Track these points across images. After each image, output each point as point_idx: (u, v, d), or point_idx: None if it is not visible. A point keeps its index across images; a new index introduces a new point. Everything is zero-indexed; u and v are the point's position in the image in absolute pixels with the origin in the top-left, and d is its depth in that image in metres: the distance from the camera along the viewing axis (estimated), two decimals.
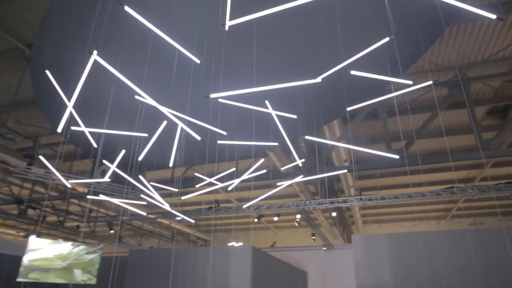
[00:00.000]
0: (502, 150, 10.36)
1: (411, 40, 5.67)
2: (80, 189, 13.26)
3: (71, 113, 5.10)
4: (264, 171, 8.63)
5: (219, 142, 6.41)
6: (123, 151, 6.13)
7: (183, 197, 9.11)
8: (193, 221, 11.60)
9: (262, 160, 7.31)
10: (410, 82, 5.02)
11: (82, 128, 5.78)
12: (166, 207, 8.55)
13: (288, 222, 26.81)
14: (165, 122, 5.45)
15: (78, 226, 17.97)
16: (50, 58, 7.33)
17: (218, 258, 9.21)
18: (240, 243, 14.31)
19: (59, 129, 4.87)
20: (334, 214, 14.46)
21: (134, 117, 6.30)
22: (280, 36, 6.00)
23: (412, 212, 23.55)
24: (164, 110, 5.12)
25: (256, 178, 13.78)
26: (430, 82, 5.06)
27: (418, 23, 5.53)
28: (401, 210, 23.56)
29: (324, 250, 15.52)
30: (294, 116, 5.59)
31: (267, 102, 5.03)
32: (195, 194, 8.64)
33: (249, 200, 13.17)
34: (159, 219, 18.84)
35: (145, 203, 9.94)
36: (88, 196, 10.34)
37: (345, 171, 11.41)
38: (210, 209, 12.65)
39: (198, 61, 4.52)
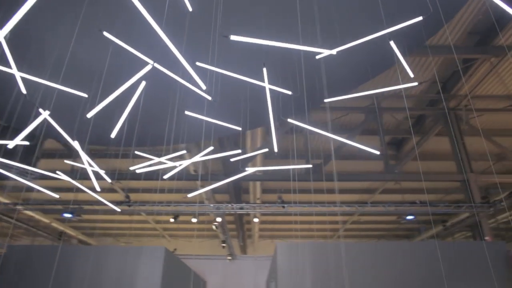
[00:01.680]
0: (405, 175, 11.57)
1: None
2: None
3: None
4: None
5: (186, 112, 5.62)
6: (46, 112, 4.80)
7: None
8: (118, 210, 10.05)
9: (211, 148, 6.66)
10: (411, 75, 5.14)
11: (13, 70, 4.33)
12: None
13: (184, 231, 25.76)
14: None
15: None
16: None
17: (126, 258, 8.05)
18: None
19: None
20: (219, 219, 14.04)
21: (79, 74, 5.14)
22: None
23: (307, 229, 24.90)
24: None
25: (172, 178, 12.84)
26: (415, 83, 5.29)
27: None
28: (295, 227, 24.65)
29: (229, 259, 15.11)
30: (289, 92, 5.21)
31: (264, 70, 4.55)
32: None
33: (150, 202, 12.16)
34: (39, 217, 16.05)
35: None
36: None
37: (245, 173, 11.25)
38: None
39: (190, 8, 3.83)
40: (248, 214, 21.41)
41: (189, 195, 9.58)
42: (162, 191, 18.18)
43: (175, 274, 9.29)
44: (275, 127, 5.40)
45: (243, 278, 15.05)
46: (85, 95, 4.94)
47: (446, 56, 10.35)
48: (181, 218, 18.07)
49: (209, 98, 5.15)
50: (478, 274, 8.51)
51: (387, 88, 5.55)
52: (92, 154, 11.77)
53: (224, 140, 11.61)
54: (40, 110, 4.87)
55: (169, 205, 11.58)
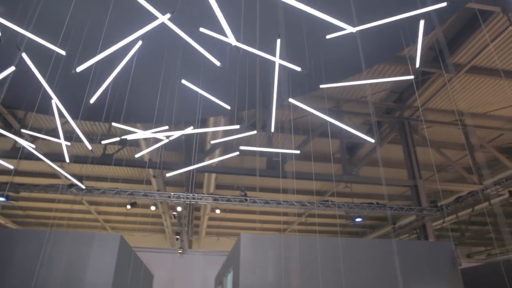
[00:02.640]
0: (362, 177, 12.06)
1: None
2: None
3: None
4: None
5: (183, 81, 5.25)
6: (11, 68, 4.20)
7: None
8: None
9: (191, 128, 6.34)
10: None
11: None
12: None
13: (126, 224, 24.63)
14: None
15: None
16: None
17: (80, 244, 7.41)
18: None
19: None
20: (179, 209, 13.70)
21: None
22: None
23: (253, 228, 25.04)
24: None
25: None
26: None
27: None
28: (243, 226, 24.75)
29: (180, 253, 14.63)
30: (299, 69, 5.04)
31: (278, 42, 4.35)
32: None
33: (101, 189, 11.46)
34: None
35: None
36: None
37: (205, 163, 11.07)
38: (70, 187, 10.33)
39: None
40: (198, 210, 21.04)
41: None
42: (115, 180, 17.31)
43: (127, 265, 8.79)
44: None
45: (191, 273, 14.69)
46: (63, 52, 4.43)
47: (407, 67, 10.97)
48: (126, 210, 17.26)
49: (218, 64, 4.91)
50: (428, 271, 9.23)
51: (382, 79, 5.68)
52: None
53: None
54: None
55: (125, 192, 10.96)
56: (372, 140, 6.81)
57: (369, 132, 14.41)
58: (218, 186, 17.33)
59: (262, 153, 13.07)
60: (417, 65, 5.34)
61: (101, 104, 6.94)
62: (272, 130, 5.86)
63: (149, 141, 11.31)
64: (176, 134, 7.38)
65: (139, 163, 12.56)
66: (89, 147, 7.69)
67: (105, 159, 11.68)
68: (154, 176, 13.97)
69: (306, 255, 9.16)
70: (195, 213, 20.65)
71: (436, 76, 11.10)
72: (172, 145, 10.09)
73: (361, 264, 9.14)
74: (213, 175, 14.57)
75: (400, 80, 11.97)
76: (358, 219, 15.13)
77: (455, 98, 11.98)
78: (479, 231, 20.05)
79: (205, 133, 12.64)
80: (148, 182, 16.28)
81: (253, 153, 14.12)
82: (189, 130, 7.05)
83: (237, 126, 7.47)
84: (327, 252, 9.31)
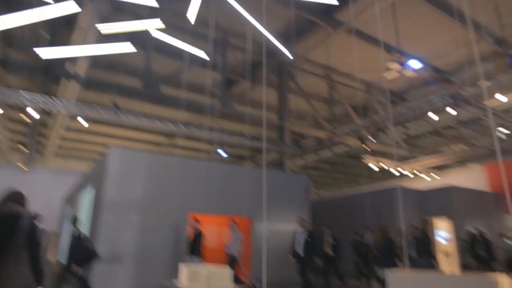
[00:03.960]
0: (238, 113, 12.29)
1: None
2: None
3: None
4: None
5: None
6: None
7: None
8: None
9: None
10: None
11: None
12: None
13: None
14: None
15: None
16: None
17: None
18: None
19: None
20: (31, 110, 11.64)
21: None
22: None
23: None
24: None
25: None
26: None
27: None
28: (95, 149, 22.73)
29: (25, 169, 12.45)
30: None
31: None
32: None
33: None
34: None
35: None
36: None
37: None
38: None
39: None
40: (46, 126, 18.18)
41: None
42: None
43: None
44: None
45: (34, 192, 12.92)
46: None
47: (297, 12, 11.23)
48: None
49: None
50: (286, 198, 10.63)
51: None
52: None
53: None
54: None
55: None
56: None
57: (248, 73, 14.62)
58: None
59: (139, 73, 11.93)
60: None
61: None
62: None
63: None
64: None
65: None
66: None
67: None
68: None
69: (178, 176, 9.12)
70: (43, 129, 17.86)
71: (321, 29, 11.78)
72: None
73: (230, 188, 9.71)
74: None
75: (288, 26, 12.29)
76: (224, 154, 15.71)
77: (331, 54, 13.04)
78: (328, 173, 23.97)
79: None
80: None
81: (131, 72, 12.78)
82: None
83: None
84: (198, 175, 9.48)
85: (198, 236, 8.31)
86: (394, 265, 6.41)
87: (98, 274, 8.09)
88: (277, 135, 13.03)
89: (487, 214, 15.42)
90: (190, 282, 5.01)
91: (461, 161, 19.06)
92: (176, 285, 5.44)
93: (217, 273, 5.03)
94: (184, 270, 5.25)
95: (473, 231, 11.76)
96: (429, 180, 18.71)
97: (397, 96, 15.73)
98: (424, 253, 6.90)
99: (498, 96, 11.52)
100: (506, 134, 14.49)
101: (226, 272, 5.11)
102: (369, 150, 13.55)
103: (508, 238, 13.84)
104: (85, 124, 11.41)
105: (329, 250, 9.90)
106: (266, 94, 15.14)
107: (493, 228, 14.58)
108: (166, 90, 12.91)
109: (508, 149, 14.81)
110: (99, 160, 9.54)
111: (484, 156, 18.00)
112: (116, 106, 9.35)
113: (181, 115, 12.59)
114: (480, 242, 10.87)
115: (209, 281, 4.87)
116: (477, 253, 10.86)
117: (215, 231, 10.30)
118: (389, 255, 6.54)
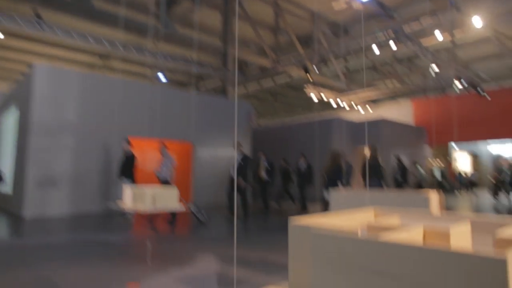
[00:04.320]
0: (178, 35, 11.56)
1: None
2: None
3: None
4: None
5: None
6: None
7: None
8: None
9: None
10: None
11: None
12: None
13: None
14: None
15: None
16: None
17: None
18: None
19: None
20: None
21: None
22: None
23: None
24: None
25: None
26: None
27: None
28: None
29: None
30: None
31: None
32: None
33: None
34: None
35: None
36: None
37: None
38: None
39: None
40: None
41: None
42: None
43: None
44: None
45: None
46: None
47: None
48: None
49: None
50: (228, 123, 10.74)
51: None
52: None
53: None
54: None
55: None
56: None
57: None
58: None
59: None
60: None
61: None
62: None
63: None
64: None
65: None
66: None
67: None
68: None
69: (118, 98, 8.68)
70: None
71: None
72: None
73: (172, 112, 9.55)
74: None
75: None
76: (163, 79, 15.05)
77: None
78: (269, 103, 24.32)
79: None
80: None
81: None
82: None
83: None
84: (140, 98, 9.12)
85: (130, 159, 7.97)
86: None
87: (31, 198, 7.84)
88: (221, 61, 12.67)
89: (411, 144, 17.18)
90: (135, 203, 4.93)
91: (393, 96, 20.42)
92: (120, 206, 5.32)
93: (163, 193, 4.93)
94: (128, 191, 5.11)
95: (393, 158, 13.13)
96: (362, 113, 19.92)
97: (341, 29, 15.81)
98: (375, 175, 7.53)
99: (436, 33, 12.05)
100: (435, 73, 15.53)
101: (172, 192, 5.03)
102: (311, 80, 13.82)
103: (420, 165, 15.67)
104: (0, 36, 9.99)
105: (263, 174, 10.45)
106: (210, 17, 14.34)
107: (414, 157, 16.39)
108: (100, 4, 11.63)
109: (436, 86, 16.07)
110: (23, 79, 8.64)
111: (413, 92, 19.42)
112: (38, 17, 8.19)
113: (117, 34, 11.58)
114: (398, 168, 12.19)
115: (155, 201, 4.78)
116: (395, 177, 12.25)
117: (152, 155, 10.26)
118: (336, 179, 7.09)
